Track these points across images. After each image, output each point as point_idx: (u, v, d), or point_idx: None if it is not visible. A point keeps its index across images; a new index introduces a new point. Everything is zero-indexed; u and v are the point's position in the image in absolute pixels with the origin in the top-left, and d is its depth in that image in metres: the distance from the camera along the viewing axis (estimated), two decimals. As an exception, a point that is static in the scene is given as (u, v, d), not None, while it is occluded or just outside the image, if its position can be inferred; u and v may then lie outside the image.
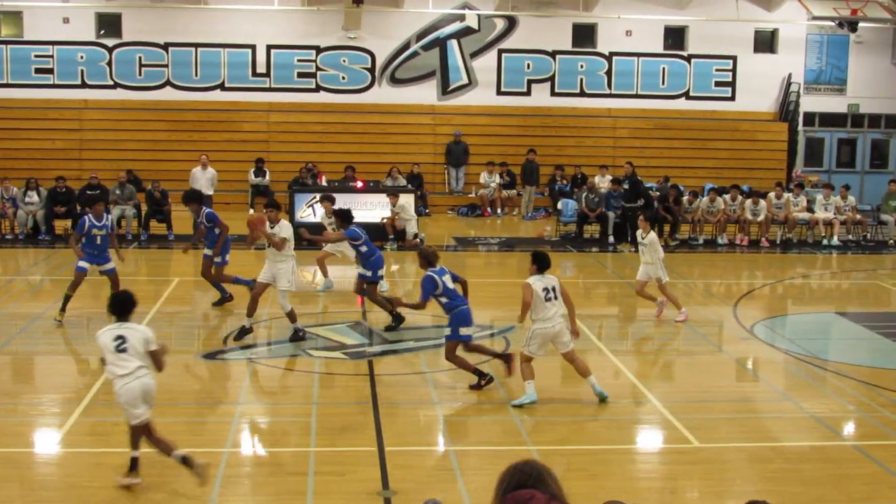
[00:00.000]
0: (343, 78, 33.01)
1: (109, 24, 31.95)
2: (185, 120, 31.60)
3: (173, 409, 12.62)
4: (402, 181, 29.35)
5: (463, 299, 13.48)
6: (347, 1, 30.36)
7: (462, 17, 33.25)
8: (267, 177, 30.03)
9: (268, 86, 32.56)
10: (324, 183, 27.69)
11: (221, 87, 32.36)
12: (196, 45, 32.07)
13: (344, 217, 17.39)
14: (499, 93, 33.73)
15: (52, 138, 31.05)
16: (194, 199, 18.67)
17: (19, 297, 19.14)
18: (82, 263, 16.77)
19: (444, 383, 13.84)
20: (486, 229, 28.72)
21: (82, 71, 31.90)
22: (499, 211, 31.44)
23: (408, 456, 11.17)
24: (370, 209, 25.19)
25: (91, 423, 12.04)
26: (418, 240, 24.76)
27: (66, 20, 31.71)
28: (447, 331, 13.43)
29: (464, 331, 13.30)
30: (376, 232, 24.58)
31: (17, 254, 23.82)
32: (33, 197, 25.37)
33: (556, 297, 12.68)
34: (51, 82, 31.84)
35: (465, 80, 33.65)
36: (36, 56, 31.76)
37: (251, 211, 28.91)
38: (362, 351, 15.55)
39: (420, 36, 33.27)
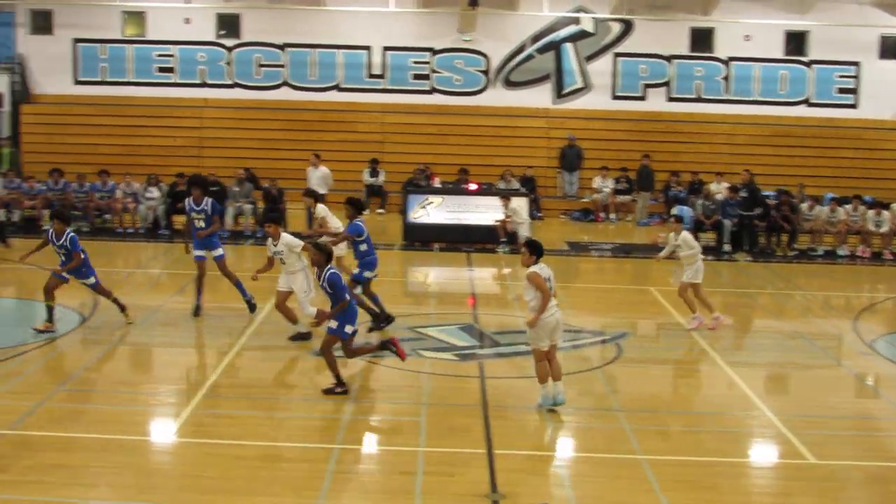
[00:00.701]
0: (457, 80, 33.07)
1: (229, 24, 32.49)
2: (302, 119, 31.97)
3: (287, 404, 12.76)
4: (516, 184, 29.29)
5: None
6: (463, 3, 30.41)
7: (577, 21, 33.06)
8: (381, 177, 30.26)
9: (383, 87, 32.78)
10: (437, 184, 27.78)
11: (337, 87, 32.68)
12: (313, 46, 32.43)
13: (356, 206, 16.54)
14: (614, 97, 33.44)
15: (172, 136, 31.66)
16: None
17: (139, 289, 19.54)
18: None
19: (555, 388, 13.74)
20: (599, 234, 28.51)
21: (202, 70, 32.50)
22: (612, 216, 31.18)
23: (516, 460, 11.12)
24: (483, 212, 25.20)
25: (206, 415, 12.24)
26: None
27: (187, 20, 32.33)
28: (333, 324, 13.05)
29: (348, 328, 13.02)
30: (488, 234, 24.63)
31: (138, 247, 24.35)
32: (154, 192, 25.92)
33: (552, 287, 12.29)
34: (172, 81, 32.50)
35: (579, 84, 33.44)
36: (158, 55, 32.45)
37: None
38: (473, 353, 15.53)
39: (535, 38, 33.16)
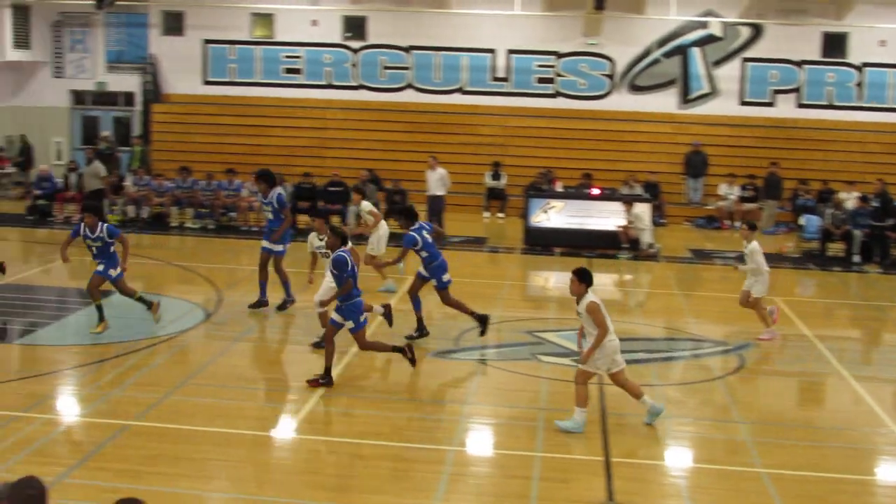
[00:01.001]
0: (582, 84, 32.88)
1: (355, 26, 32.83)
2: (424, 122, 32.13)
3: (404, 405, 12.81)
4: (639, 190, 28.97)
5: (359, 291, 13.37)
6: (589, 6, 30.22)
7: (705, 25, 32.57)
8: (503, 180, 30.25)
9: (506, 90, 32.76)
10: (559, 188, 27.65)
11: (461, 90, 32.77)
12: (438, 49, 32.58)
13: (409, 216, 16.12)
14: (741, 103, 32.86)
15: (297, 136, 32.11)
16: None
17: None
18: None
19: (674, 398, 13.55)
20: (723, 242, 28.00)
21: (328, 72, 32.90)
22: (737, 224, 30.60)
23: (634, 468, 10.98)
24: (605, 217, 25.00)
25: (326, 412, 12.36)
26: (653, 249, 24.41)
27: (314, 23, 32.76)
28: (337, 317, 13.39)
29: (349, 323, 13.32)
30: (609, 240, 24.42)
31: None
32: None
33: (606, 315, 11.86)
34: (298, 82, 32.97)
35: (706, 89, 32.95)
36: (285, 57, 32.96)
37: (486, 214, 29.19)
38: (591, 359, 15.37)
39: (661, 43, 32.78)
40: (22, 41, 32.11)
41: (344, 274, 13.17)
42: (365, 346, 13.70)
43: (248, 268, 21.91)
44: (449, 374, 14.54)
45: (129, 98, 33.63)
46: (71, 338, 15.91)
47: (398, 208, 16.53)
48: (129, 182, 27.65)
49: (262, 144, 31.49)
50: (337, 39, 32.89)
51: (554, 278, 20.97)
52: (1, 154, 31.43)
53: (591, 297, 11.77)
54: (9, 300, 17.62)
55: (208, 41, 33.01)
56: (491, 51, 32.62)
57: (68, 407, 12.72)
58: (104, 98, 33.91)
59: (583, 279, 11.86)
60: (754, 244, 16.79)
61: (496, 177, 30.29)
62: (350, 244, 13.87)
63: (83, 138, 33.82)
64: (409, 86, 32.88)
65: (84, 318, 17.20)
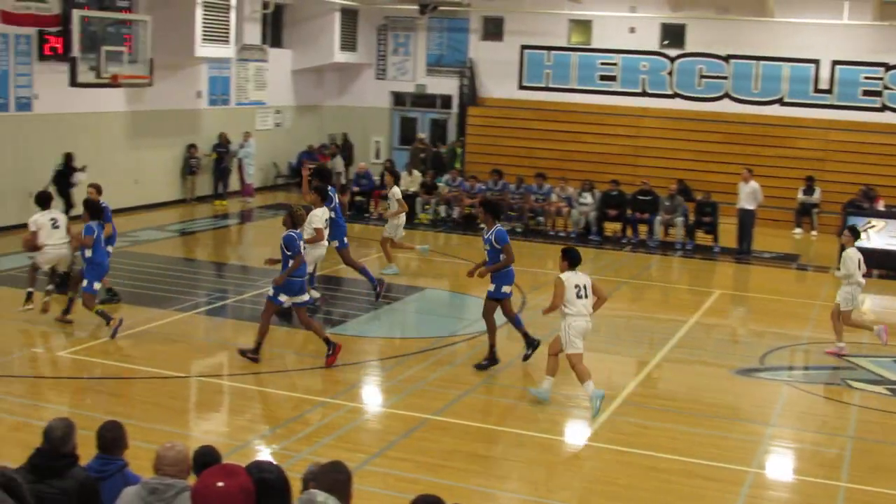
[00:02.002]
0: (913, 98, 31.13)
1: (674, 34, 32.38)
2: (740, 133, 31.27)
3: (703, 421, 12.52)
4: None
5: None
6: (925, 17, 28.56)
7: None
8: (816, 194, 29.03)
9: (829, 103, 31.43)
10: (881, 207, 26.26)
11: (780, 101, 31.70)
12: (758, 59, 31.65)
13: (493, 210, 14.86)
14: None
15: (609, 143, 32.00)
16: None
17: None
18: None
19: None
20: None
21: (644, 79, 32.62)
22: None
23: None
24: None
25: (621, 422, 12.24)
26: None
27: (632, 30, 32.55)
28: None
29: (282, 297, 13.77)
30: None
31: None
32: (587, 198, 26.31)
33: (586, 295, 12.58)
34: (613, 89, 32.87)
35: None
36: (601, 63, 32.92)
37: (797, 230, 28.15)
38: (907, 388, 14.52)
39: None
40: (349, 44, 33.60)
41: (288, 255, 13.65)
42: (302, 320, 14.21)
43: (553, 272, 22.02)
44: (753, 394, 14.09)
45: (446, 101, 34.55)
46: (380, 330, 16.49)
47: (483, 202, 15.59)
48: (441, 183, 28.37)
49: (573, 150, 31.58)
50: (654, 47, 32.56)
51: (869, 302, 19.91)
52: (325, 151, 32.99)
53: (562, 275, 12.69)
54: (325, 291, 18.43)
55: (526, 46, 33.44)
56: (814, 61, 31.36)
57: (373, 397, 13.20)
58: (422, 100, 35.00)
59: (564, 258, 12.87)
60: (849, 250, 15.81)
61: (809, 191, 29.10)
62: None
63: (401, 138, 35.03)
64: (726, 95, 32.12)
65: (393, 313, 17.82)
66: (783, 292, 20.67)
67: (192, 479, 5.65)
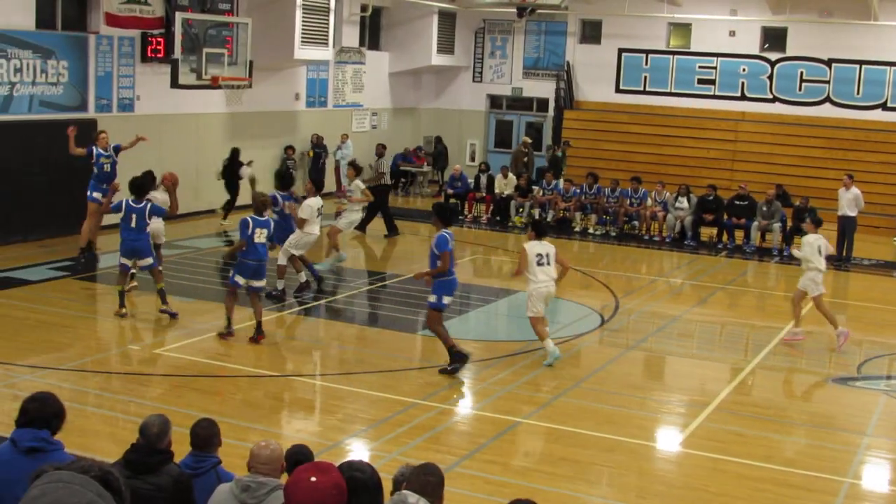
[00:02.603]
0: None
1: (774, 37, 31.91)
2: (840, 138, 30.71)
3: (798, 430, 12.34)
4: None
5: None
6: None
7: None
8: (921, 202, 28.36)
9: (934, 107, 30.71)
10: None
11: (883, 106, 31.05)
12: (861, 63, 31.05)
13: (441, 215, 14.59)
14: None
15: (706, 147, 31.66)
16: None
17: (660, 297, 19.75)
18: None
19: None
20: None
21: (743, 83, 32.20)
22: None
23: None
24: None
25: (714, 429, 12.12)
26: None
27: (731, 33, 32.16)
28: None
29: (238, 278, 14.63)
30: None
31: (663, 256, 24.60)
32: (683, 203, 26.06)
33: (548, 263, 14.06)
34: (711, 93, 32.49)
35: None
36: (700, 67, 32.57)
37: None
38: None
39: None
40: (446, 46, 33.72)
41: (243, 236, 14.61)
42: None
43: (647, 277, 21.92)
44: (849, 402, 13.84)
45: (542, 104, 34.49)
46: (471, 332, 16.53)
47: (435, 205, 15.65)
48: (536, 186, 28.32)
49: (670, 154, 31.31)
50: (754, 50, 32.11)
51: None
52: (419, 154, 33.17)
53: (526, 244, 14.38)
54: (416, 292, 18.52)
55: (623, 50, 33.24)
56: (919, 65, 30.70)
57: (463, 399, 13.23)
58: (519, 103, 34.99)
59: (534, 228, 14.60)
60: (809, 237, 16.46)
61: (912, 199, 28.44)
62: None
63: (496, 141, 35.07)
64: (828, 100, 31.56)
65: (485, 316, 17.86)
66: (882, 300, 20.28)
67: (284, 478, 5.73)
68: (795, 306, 16.38)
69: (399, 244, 23.41)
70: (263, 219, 14.75)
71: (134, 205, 15.36)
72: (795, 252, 16.74)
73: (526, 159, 30.50)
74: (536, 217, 26.82)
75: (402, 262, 21.14)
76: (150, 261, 15.58)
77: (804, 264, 16.24)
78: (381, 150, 27.62)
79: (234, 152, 24.54)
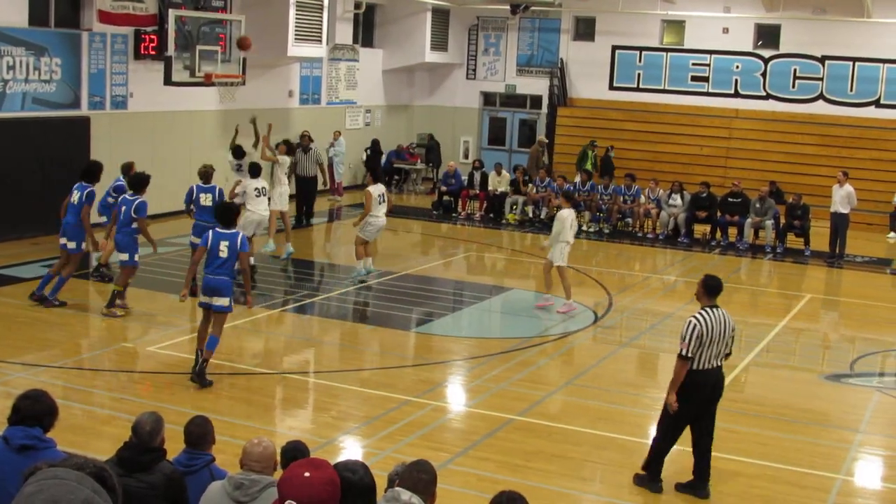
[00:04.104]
0: None
1: (768, 34, 31.93)
2: (834, 135, 30.75)
3: (788, 426, 12.35)
4: None
5: None
6: None
7: None
8: (913, 198, 28.41)
9: (927, 104, 30.75)
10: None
11: (876, 103, 31.08)
12: (854, 60, 31.08)
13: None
14: None
15: (700, 144, 31.68)
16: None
17: (653, 294, 19.77)
18: None
19: None
20: None
21: (736, 80, 32.21)
22: None
23: None
24: None
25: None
26: None
27: (725, 30, 32.17)
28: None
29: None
30: None
31: (656, 253, 24.63)
32: (677, 200, 26.06)
33: (384, 201, 18.16)
34: (705, 90, 32.50)
35: None
36: (693, 64, 32.58)
37: (892, 234, 27.58)
38: None
39: None
40: (439, 44, 33.70)
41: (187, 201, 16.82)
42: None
43: (640, 274, 21.93)
44: (842, 399, 13.88)
45: (535, 101, 34.49)
46: (464, 329, 16.54)
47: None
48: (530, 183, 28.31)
49: (663, 151, 31.33)
50: (748, 47, 32.14)
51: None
52: (412, 151, 33.16)
53: (370, 188, 18.14)
54: (410, 290, 18.55)
55: (617, 47, 33.24)
56: (913, 62, 30.73)
57: (457, 396, 13.24)
58: (512, 100, 34.98)
59: (374, 177, 18.64)
60: (563, 212, 17.36)
61: (905, 195, 28.48)
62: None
63: (490, 138, 35.07)
64: (821, 97, 31.59)
65: (479, 314, 17.88)
66: (875, 297, 20.32)
67: (277, 475, 5.73)
68: (547, 276, 17.50)
69: (391, 241, 23.39)
70: (209, 185, 16.74)
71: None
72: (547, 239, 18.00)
73: (545, 158, 30.34)
74: (530, 215, 26.88)
75: (396, 259, 21.12)
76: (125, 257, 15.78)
77: (556, 238, 17.10)
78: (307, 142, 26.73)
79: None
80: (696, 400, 9.90)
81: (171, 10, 21.83)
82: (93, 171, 16.22)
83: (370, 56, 32.37)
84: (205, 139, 25.46)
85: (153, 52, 22.71)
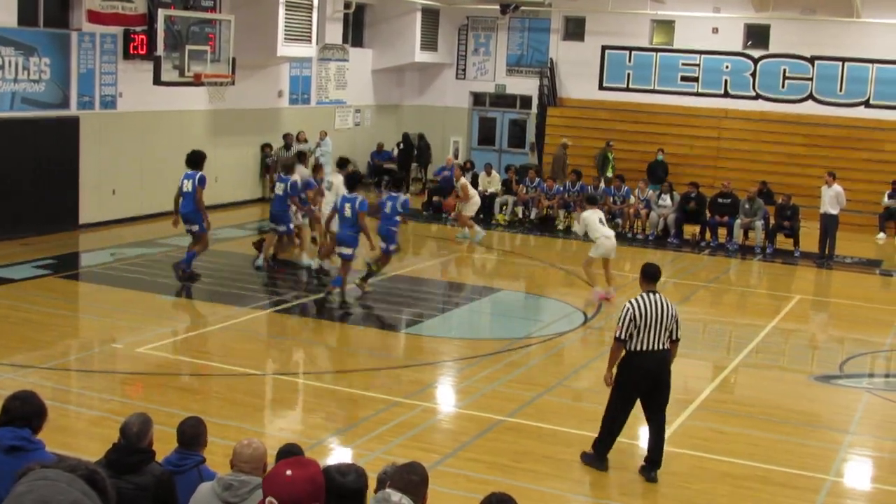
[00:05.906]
0: None
1: (758, 35, 31.97)
2: (824, 135, 30.80)
3: (777, 427, 12.36)
4: None
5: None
6: None
7: None
8: (903, 200, 28.48)
9: (916, 104, 30.82)
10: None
11: (866, 103, 31.14)
12: (843, 60, 31.14)
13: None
14: None
15: (690, 145, 31.70)
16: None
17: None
18: None
19: None
20: None
21: (726, 81, 32.25)
22: None
23: None
24: None
25: (697, 427, 12.14)
26: None
27: (714, 30, 32.21)
28: None
29: None
30: None
31: (647, 254, 24.59)
32: (667, 200, 26.08)
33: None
34: (694, 90, 32.53)
35: None
36: (683, 64, 32.61)
37: (881, 234, 27.64)
38: None
39: None
40: (429, 44, 33.68)
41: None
42: None
43: (630, 275, 21.91)
44: (832, 400, 13.91)
45: (525, 101, 34.49)
46: (454, 330, 16.54)
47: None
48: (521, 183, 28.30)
49: (653, 152, 31.33)
50: (737, 48, 32.18)
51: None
52: (391, 154, 33.04)
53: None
54: (400, 291, 18.54)
55: (607, 47, 33.25)
56: (901, 63, 30.80)
57: (447, 397, 13.23)
58: (502, 100, 34.98)
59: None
60: (585, 213, 18.86)
61: (895, 195, 28.54)
62: None
63: (479, 139, 35.07)
64: (811, 97, 31.64)
65: (468, 314, 17.87)
66: (865, 298, 20.35)
67: (266, 476, 5.71)
68: (588, 269, 18.72)
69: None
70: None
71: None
72: (574, 228, 18.97)
73: (569, 162, 30.08)
74: (520, 216, 26.87)
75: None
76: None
77: (587, 236, 18.60)
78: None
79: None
80: (638, 379, 10.46)
81: (160, 10, 21.79)
82: (198, 160, 17.59)
83: (360, 56, 32.33)
84: (194, 139, 25.40)
85: (142, 52, 22.66)
